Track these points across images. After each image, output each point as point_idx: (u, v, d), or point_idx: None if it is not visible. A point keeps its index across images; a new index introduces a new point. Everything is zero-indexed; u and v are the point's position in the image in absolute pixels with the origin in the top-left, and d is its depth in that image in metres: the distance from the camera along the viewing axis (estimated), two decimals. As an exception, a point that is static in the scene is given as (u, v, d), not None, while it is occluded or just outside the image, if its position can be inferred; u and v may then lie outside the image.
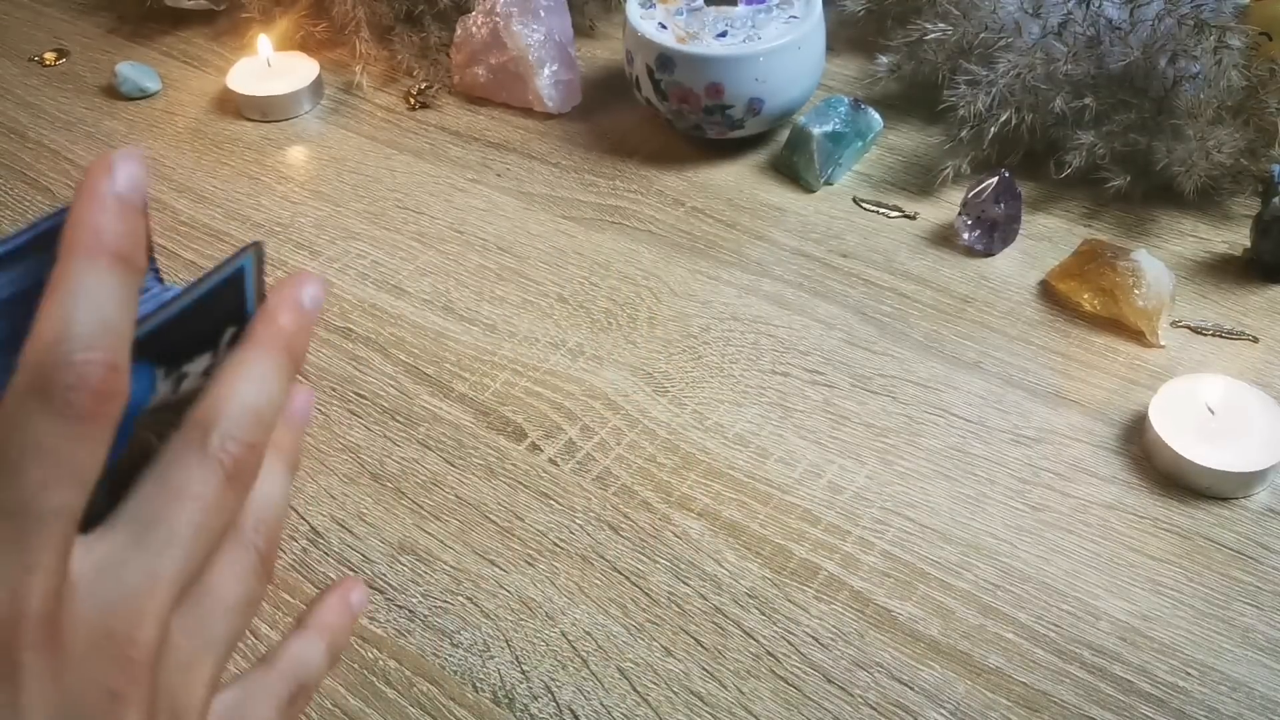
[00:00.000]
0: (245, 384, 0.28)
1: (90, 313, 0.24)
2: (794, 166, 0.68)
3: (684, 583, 0.48)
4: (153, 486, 0.27)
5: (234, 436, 0.27)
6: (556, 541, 0.50)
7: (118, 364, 0.24)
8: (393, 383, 0.57)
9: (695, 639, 0.46)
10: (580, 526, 0.50)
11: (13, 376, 0.24)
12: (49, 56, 0.84)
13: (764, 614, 0.46)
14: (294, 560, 0.49)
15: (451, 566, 0.49)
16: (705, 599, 0.47)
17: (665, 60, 0.66)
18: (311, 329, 0.30)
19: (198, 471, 0.27)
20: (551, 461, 0.53)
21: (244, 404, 0.28)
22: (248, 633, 0.47)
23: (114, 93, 0.79)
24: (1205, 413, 0.51)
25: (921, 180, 0.68)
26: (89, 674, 0.25)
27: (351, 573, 0.49)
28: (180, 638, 0.27)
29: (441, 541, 0.50)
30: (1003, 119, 0.64)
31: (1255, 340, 0.57)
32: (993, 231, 0.62)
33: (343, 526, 0.51)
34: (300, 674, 0.33)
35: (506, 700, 0.44)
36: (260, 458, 0.28)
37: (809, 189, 0.68)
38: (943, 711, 0.43)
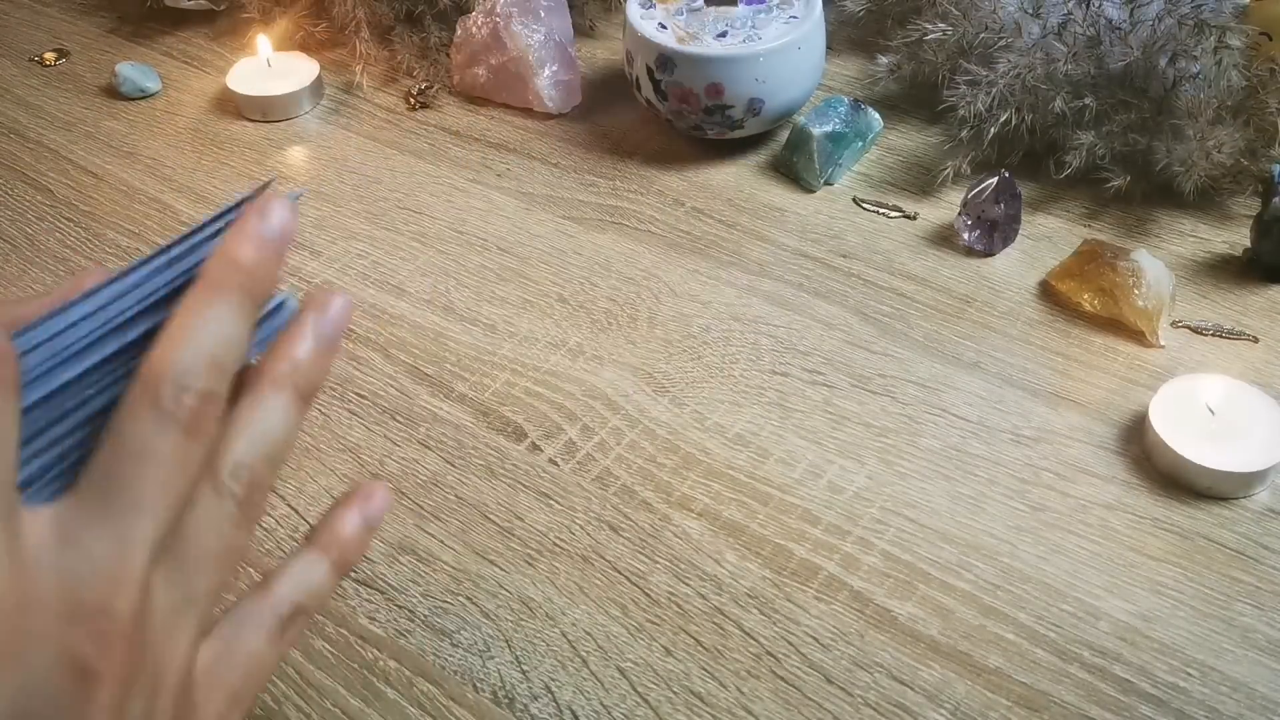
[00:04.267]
0: (197, 330, 0.26)
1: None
2: (794, 166, 0.68)
3: (684, 583, 0.48)
4: (111, 449, 0.25)
5: (187, 387, 0.26)
6: (556, 541, 0.50)
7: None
8: (393, 383, 0.57)
9: (695, 639, 0.46)
10: (580, 526, 0.50)
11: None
12: (49, 56, 0.84)
13: (764, 614, 0.46)
14: (294, 560, 0.49)
15: (451, 566, 0.49)
16: (705, 599, 0.47)
17: (665, 60, 0.66)
18: (280, 257, 0.28)
19: (153, 428, 0.25)
20: (551, 461, 0.53)
21: (197, 351, 0.26)
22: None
23: (114, 93, 0.79)
24: (1205, 413, 0.51)
25: (921, 180, 0.68)
26: (55, 653, 0.24)
27: (351, 573, 0.49)
28: (159, 595, 0.26)
29: (441, 541, 0.50)
30: (1003, 119, 0.64)
31: (1255, 340, 0.57)
32: (993, 231, 0.62)
33: (343, 526, 0.51)
34: (298, 596, 0.31)
35: (506, 700, 0.44)
36: (220, 404, 0.27)
37: (809, 189, 0.68)
38: (943, 711, 0.43)
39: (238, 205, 0.29)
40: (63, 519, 0.25)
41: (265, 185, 0.29)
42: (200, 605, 0.27)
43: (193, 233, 0.28)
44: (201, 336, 0.26)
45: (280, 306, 0.30)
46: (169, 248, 0.28)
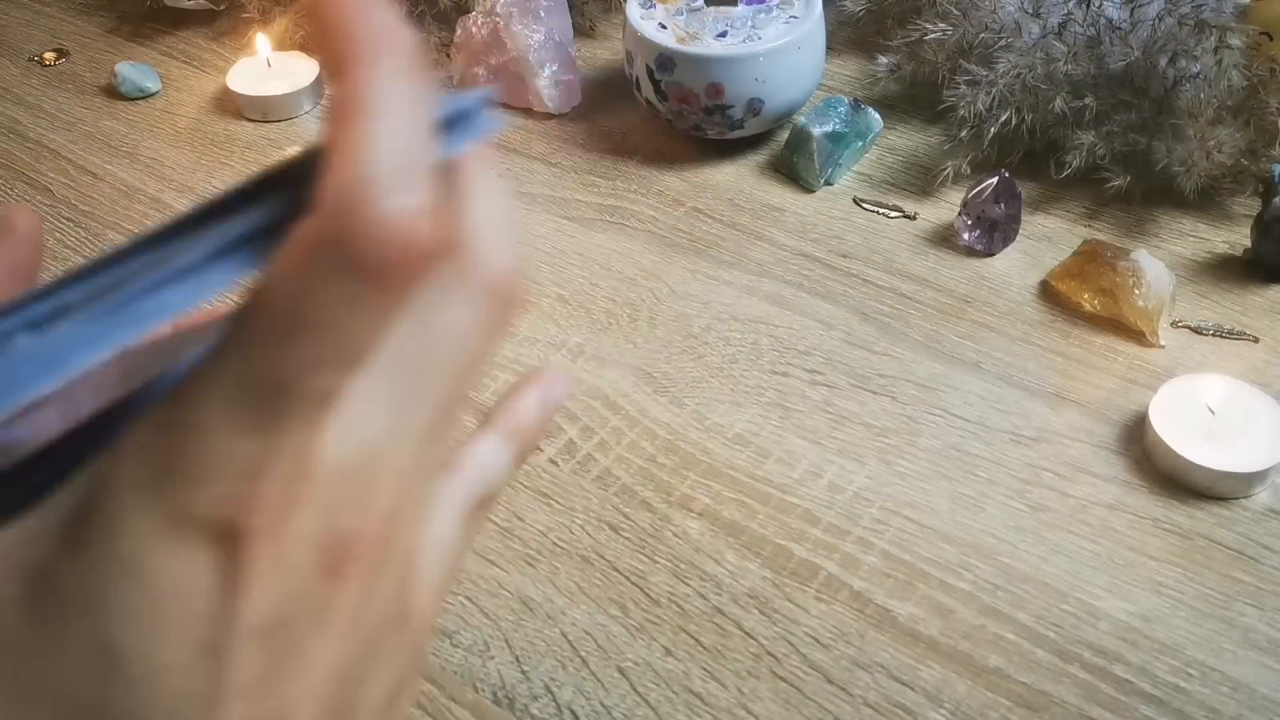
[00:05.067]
0: (489, 193, 0.23)
1: (396, 144, 0.18)
2: (794, 166, 0.68)
3: (684, 583, 0.48)
4: (413, 321, 0.21)
5: (498, 254, 0.22)
6: (557, 541, 0.49)
7: (428, 212, 0.19)
8: (393, 383, 0.57)
9: (695, 639, 0.46)
10: (580, 526, 0.50)
11: (298, 228, 0.18)
12: (49, 56, 0.84)
13: (764, 614, 0.46)
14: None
15: (451, 566, 0.49)
16: (705, 599, 0.47)
17: (665, 60, 0.66)
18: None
19: (462, 302, 0.22)
20: (552, 461, 0.53)
21: (495, 211, 0.23)
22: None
23: (114, 93, 0.79)
24: (1205, 413, 0.51)
25: (921, 180, 0.68)
26: (312, 554, 0.21)
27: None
28: (413, 483, 0.23)
29: (441, 541, 0.50)
30: (1003, 119, 0.64)
31: (1255, 340, 0.57)
32: (993, 231, 0.62)
33: (343, 526, 0.51)
34: (486, 479, 0.29)
35: (506, 700, 0.44)
36: (521, 286, 0.23)
37: (809, 189, 0.68)
38: (943, 711, 0.43)
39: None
40: (352, 405, 0.21)
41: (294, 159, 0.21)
42: (439, 486, 0.26)
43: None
44: (497, 198, 0.24)
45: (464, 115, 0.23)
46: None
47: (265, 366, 0.18)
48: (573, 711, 0.44)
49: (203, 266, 0.19)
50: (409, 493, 0.23)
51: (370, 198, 0.18)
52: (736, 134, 0.69)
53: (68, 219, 0.69)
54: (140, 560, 0.18)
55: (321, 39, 0.20)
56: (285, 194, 0.19)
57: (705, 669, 0.45)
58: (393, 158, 0.18)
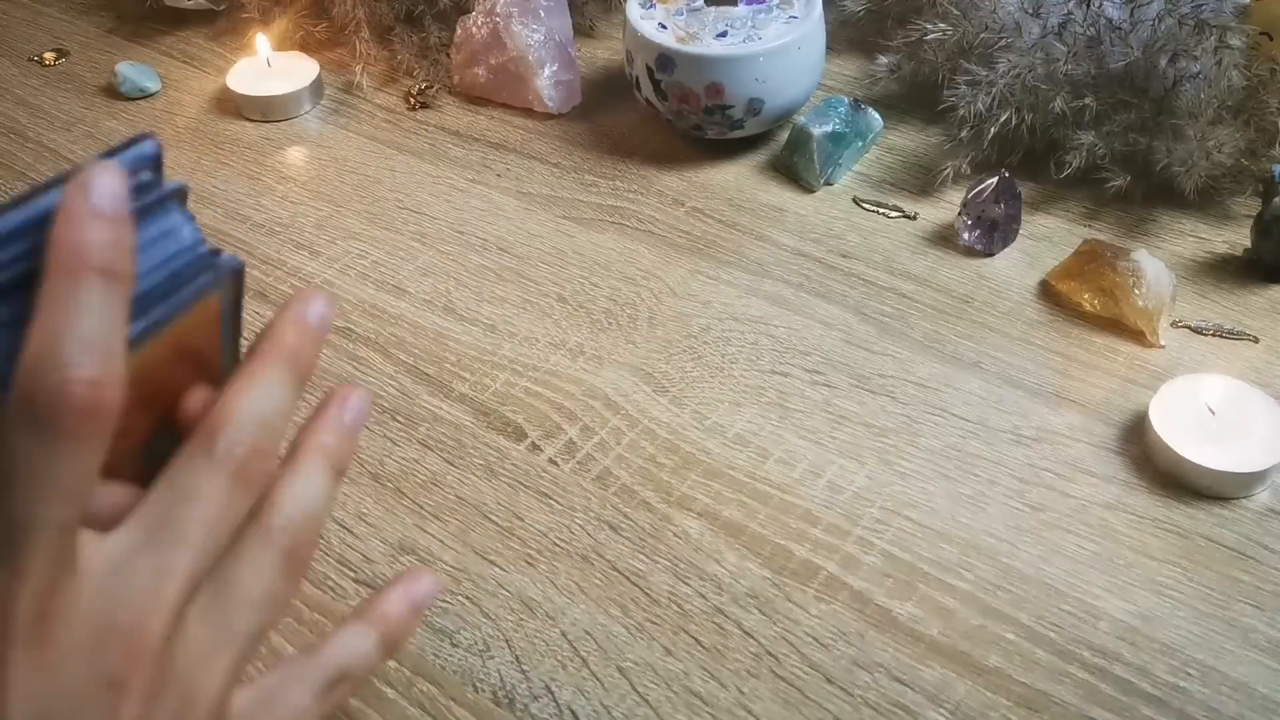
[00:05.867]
0: (252, 393, 0.29)
1: (75, 330, 0.25)
2: (794, 166, 0.68)
3: (684, 583, 0.48)
4: (164, 489, 0.28)
5: (240, 441, 0.28)
6: (556, 541, 0.49)
7: (102, 380, 0.25)
8: (393, 383, 0.57)
9: (695, 639, 0.46)
10: (580, 526, 0.50)
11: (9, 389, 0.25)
12: (49, 56, 0.84)
13: (764, 614, 0.46)
14: (294, 560, 0.49)
15: (451, 566, 0.49)
16: (705, 599, 0.47)
17: (665, 60, 0.66)
18: (319, 344, 0.32)
19: (205, 474, 0.28)
20: (551, 461, 0.53)
21: (250, 411, 0.29)
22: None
23: (114, 93, 0.79)
24: (1205, 413, 0.51)
25: (921, 180, 0.68)
26: (86, 664, 0.26)
27: (350, 573, 0.49)
28: (198, 629, 0.28)
29: (441, 541, 0.50)
30: (1003, 119, 0.64)
31: (1255, 340, 0.57)
32: (993, 231, 0.62)
33: (343, 526, 0.51)
34: (344, 663, 0.33)
35: (506, 700, 0.44)
36: (268, 461, 0.29)
37: (809, 189, 0.68)
38: (943, 711, 0.43)
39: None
40: (115, 547, 0.27)
41: (135, 141, 0.29)
42: (239, 645, 0.29)
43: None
44: (259, 399, 0.29)
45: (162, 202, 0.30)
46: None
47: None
48: (573, 711, 0.44)
49: None
50: (194, 631, 0.28)
51: (50, 370, 0.24)
52: (736, 134, 0.69)
53: (68, 219, 0.69)
54: None
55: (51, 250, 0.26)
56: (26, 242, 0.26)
57: (705, 669, 0.45)
58: (66, 345, 0.25)
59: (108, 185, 0.26)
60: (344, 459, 0.33)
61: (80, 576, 0.26)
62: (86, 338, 0.25)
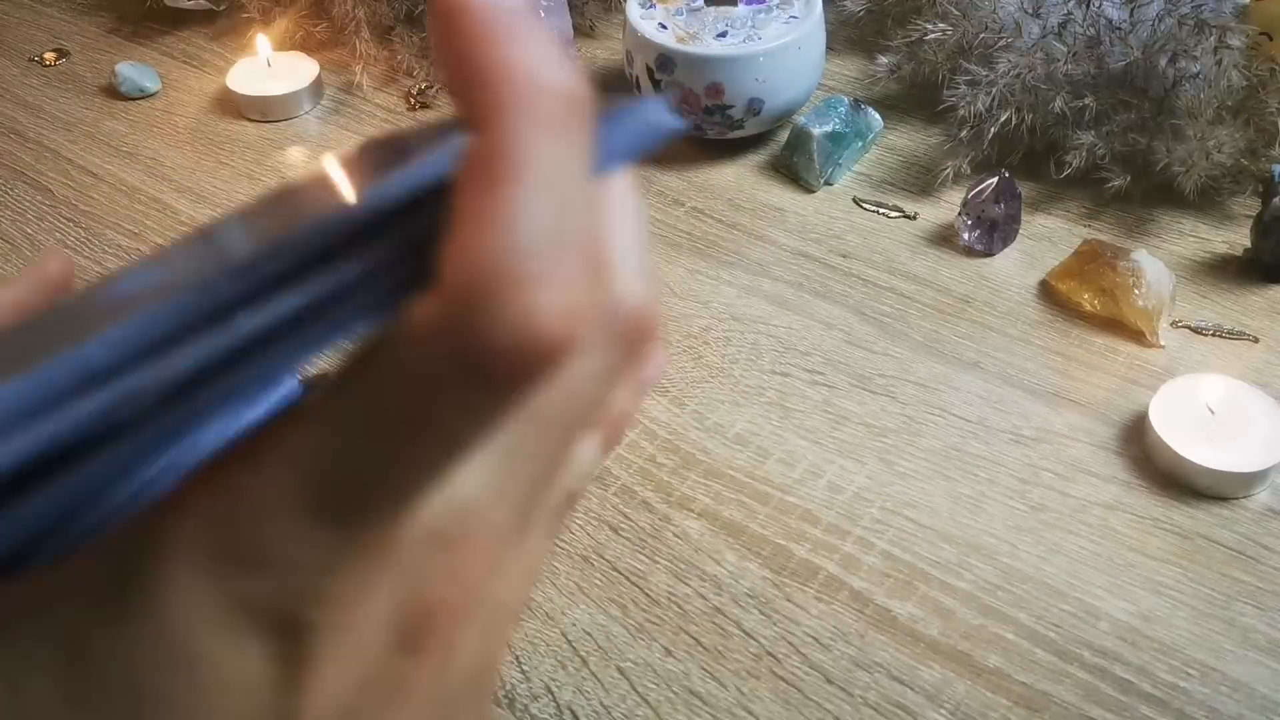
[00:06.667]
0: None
1: (547, 219, 0.15)
2: (794, 166, 0.68)
3: (684, 583, 0.48)
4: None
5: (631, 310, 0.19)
6: (556, 541, 0.49)
7: (576, 304, 0.16)
8: (393, 383, 0.57)
9: (695, 639, 0.46)
10: (580, 526, 0.50)
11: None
12: (49, 56, 0.84)
13: (764, 614, 0.46)
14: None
15: (451, 566, 0.49)
16: (705, 599, 0.47)
17: (665, 60, 0.66)
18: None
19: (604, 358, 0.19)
20: (551, 461, 0.53)
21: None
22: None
23: (114, 93, 0.79)
24: (1205, 413, 0.51)
25: (921, 180, 0.68)
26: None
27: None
28: (509, 538, 0.20)
29: (441, 541, 0.50)
30: (1003, 119, 0.64)
31: (1255, 340, 0.57)
32: (993, 231, 0.62)
33: (343, 526, 0.51)
34: (571, 482, 0.24)
35: (506, 700, 0.44)
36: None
37: (809, 189, 0.68)
38: (943, 711, 0.43)
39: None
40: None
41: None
42: (555, 530, 0.22)
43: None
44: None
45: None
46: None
47: (355, 457, 0.16)
48: (573, 711, 0.44)
49: (309, 329, 0.16)
50: (503, 551, 0.20)
51: (506, 290, 0.14)
52: (736, 134, 0.69)
53: (68, 219, 0.69)
54: (191, 647, 0.16)
55: (456, 77, 0.16)
56: (401, 232, 0.16)
57: (705, 669, 0.45)
58: (539, 237, 0.15)
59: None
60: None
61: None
62: (560, 234, 0.15)
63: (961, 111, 0.64)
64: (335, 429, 0.16)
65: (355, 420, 0.16)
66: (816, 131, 0.66)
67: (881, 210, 0.66)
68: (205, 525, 0.16)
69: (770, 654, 0.45)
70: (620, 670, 0.45)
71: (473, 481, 0.18)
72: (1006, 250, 0.63)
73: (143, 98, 0.79)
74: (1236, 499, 0.49)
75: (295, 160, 0.73)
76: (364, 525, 0.16)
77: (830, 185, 0.68)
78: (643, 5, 0.69)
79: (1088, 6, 0.64)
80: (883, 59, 0.71)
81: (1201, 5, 0.62)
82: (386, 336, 0.16)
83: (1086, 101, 0.63)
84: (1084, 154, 0.62)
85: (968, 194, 0.62)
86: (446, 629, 0.18)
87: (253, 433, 0.17)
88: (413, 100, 0.77)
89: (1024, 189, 0.63)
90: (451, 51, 0.16)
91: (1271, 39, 0.63)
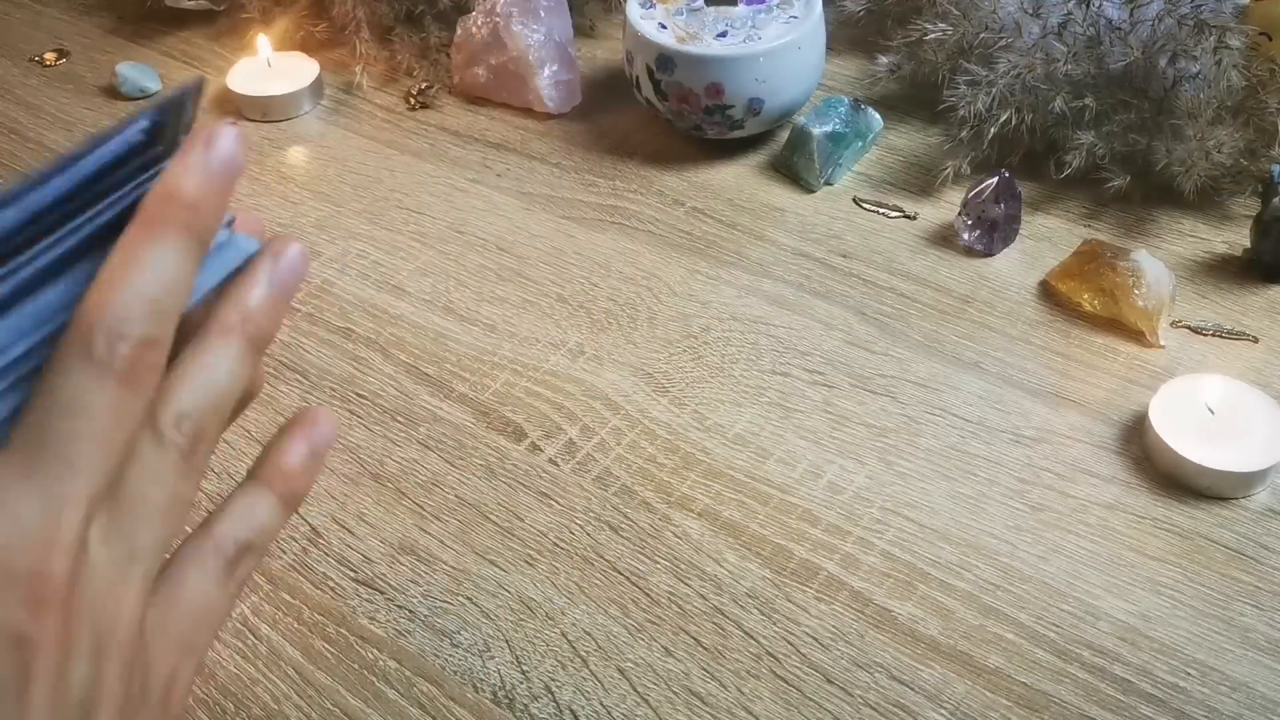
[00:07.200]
0: (134, 272, 0.24)
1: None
2: (794, 166, 0.68)
3: (684, 583, 0.48)
4: (41, 404, 0.23)
5: (123, 335, 0.24)
6: (556, 541, 0.50)
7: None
8: (393, 383, 0.57)
9: (695, 639, 0.46)
10: (580, 526, 0.50)
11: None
12: (49, 56, 0.84)
13: (764, 614, 0.46)
14: (294, 560, 0.49)
15: (451, 566, 0.49)
16: (705, 599, 0.47)
17: (665, 60, 0.66)
18: (228, 192, 0.26)
19: (86, 380, 0.23)
20: (551, 462, 0.53)
21: (134, 295, 0.24)
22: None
23: (114, 93, 0.79)
24: (1205, 413, 0.51)
25: (921, 180, 0.68)
26: None
27: (351, 573, 0.49)
28: (100, 554, 0.24)
29: (441, 541, 0.50)
30: (1003, 119, 0.64)
31: (1255, 340, 0.57)
32: (993, 231, 0.62)
33: (343, 526, 0.51)
34: (243, 535, 0.29)
35: (506, 700, 0.44)
36: (162, 353, 0.25)
37: (809, 189, 0.68)
38: (943, 711, 0.43)
39: (157, 121, 0.26)
40: None
41: (191, 90, 0.26)
42: (146, 560, 0.25)
43: (100, 147, 0.25)
44: (139, 279, 0.24)
45: (228, 244, 0.28)
46: (85, 168, 0.24)
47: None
48: (573, 711, 0.44)
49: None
50: (96, 557, 0.24)
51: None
52: (736, 134, 0.69)
53: (68, 219, 0.69)
54: None
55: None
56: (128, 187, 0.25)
57: (705, 669, 0.45)
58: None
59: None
60: (265, 329, 0.28)
61: None
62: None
63: (961, 111, 0.65)
64: None
65: None
66: (816, 131, 0.66)
67: (881, 210, 0.66)
68: None
69: (770, 654, 0.45)
70: (620, 670, 0.45)
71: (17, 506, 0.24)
72: (1006, 250, 0.63)
73: (143, 98, 0.79)
74: (1236, 499, 0.49)
75: (296, 160, 0.73)
76: None
77: (830, 185, 0.68)
78: (643, 5, 0.69)
79: (1088, 6, 0.64)
80: (883, 59, 0.71)
81: (1201, 5, 0.62)
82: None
83: (1086, 101, 0.63)
84: (1084, 154, 0.62)
85: (968, 194, 0.62)
86: (45, 651, 0.23)
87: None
88: (412, 100, 0.77)
89: (1024, 189, 0.63)
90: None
91: (1271, 39, 0.63)
